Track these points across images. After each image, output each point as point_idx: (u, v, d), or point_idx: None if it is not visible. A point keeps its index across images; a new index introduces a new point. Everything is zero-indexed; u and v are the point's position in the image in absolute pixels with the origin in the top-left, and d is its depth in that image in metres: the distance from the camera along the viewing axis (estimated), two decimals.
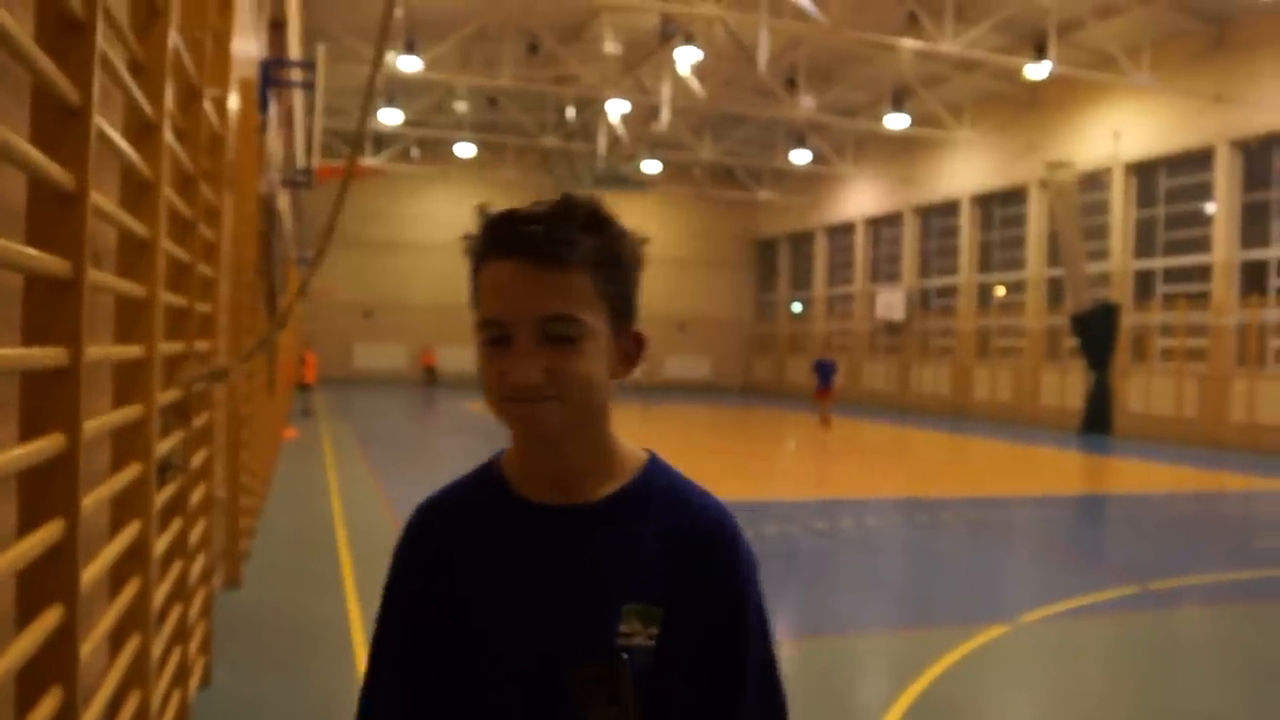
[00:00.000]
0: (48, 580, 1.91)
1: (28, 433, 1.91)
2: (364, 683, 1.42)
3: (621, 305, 1.32)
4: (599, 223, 1.30)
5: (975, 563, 9.77)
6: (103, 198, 2.26)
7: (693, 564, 1.33)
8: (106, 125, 2.27)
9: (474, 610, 1.33)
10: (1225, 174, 23.60)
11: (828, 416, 25.58)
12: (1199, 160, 24.48)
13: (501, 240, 1.27)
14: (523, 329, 1.24)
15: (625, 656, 1.18)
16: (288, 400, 21.34)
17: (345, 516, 10.59)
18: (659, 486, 1.38)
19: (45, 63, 1.76)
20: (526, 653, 1.29)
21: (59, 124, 1.94)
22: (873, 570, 9.21)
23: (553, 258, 1.24)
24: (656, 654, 1.29)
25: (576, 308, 1.25)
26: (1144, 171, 26.25)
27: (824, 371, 25.45)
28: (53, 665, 1.91)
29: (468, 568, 1.35)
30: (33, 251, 1.79)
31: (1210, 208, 24.26)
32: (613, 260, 1.30)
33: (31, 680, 1.88)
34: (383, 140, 37.32)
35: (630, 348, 1.35)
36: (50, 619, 1.87)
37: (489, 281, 1.27)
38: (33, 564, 1.81)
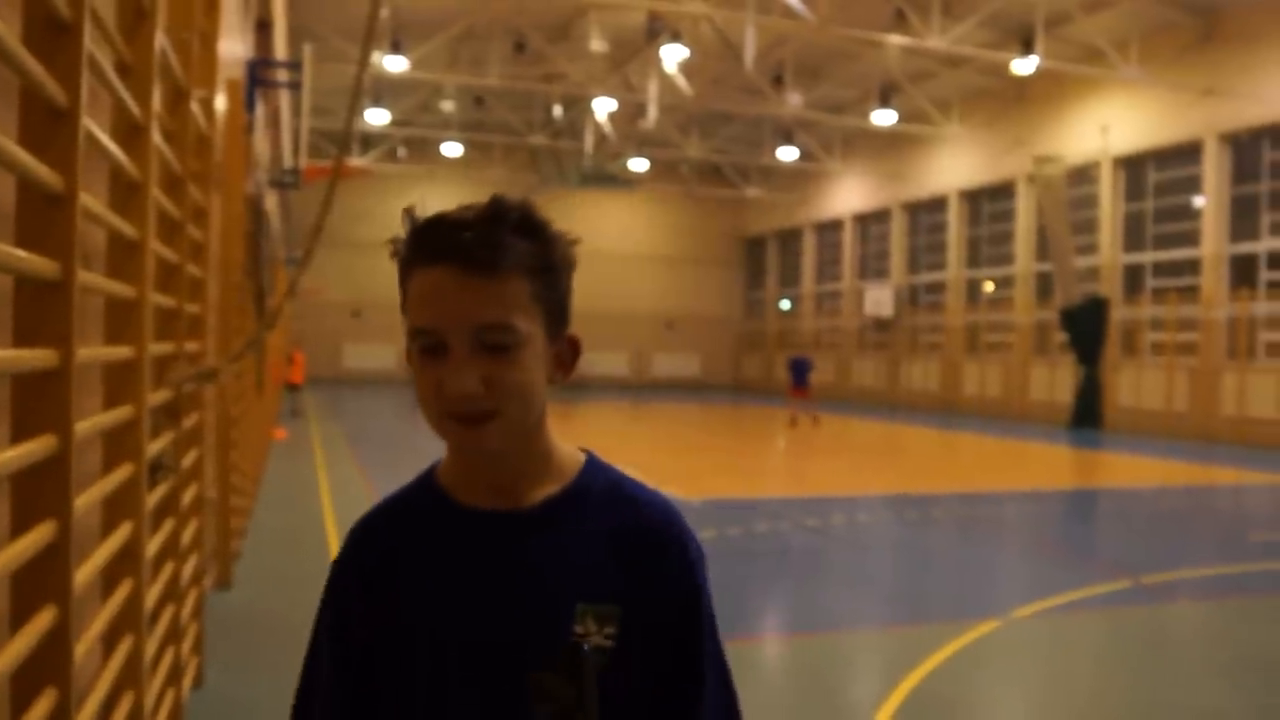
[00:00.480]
0: (41, 581, 1.91)
1: (19, 434, 1.90)
2: (295, 704, 1.39)
3: (556, 310, 1.30)
4: (531, 226, 1.27)
5: (966, 558, 9.81)
6: (91, 199, 2.26)
7: (644, 562, 1.34)
8: (95, 127, 2.27)
9: (421, 615, 1.31)
10: (1214, 167, 23.69)
11: (799, 415, 25.00)
12: (1188, 153, 24.58)
13: (431, 246, 1.24)
14: (457, 338, 1.22)
15: (585, 647, 1.17)
16: (276, 401, 21.29)
17: (336, 516, 10.58)
18: (599, 486, 1.38)
19: (33, 64, 1.76)
20: (480, 656, 1.27)
21: (47, 126, 1.95)
22: (864, 567, 9.24)
23: (486, 263, 1.22)
24: (614, 653, 1.29)
25: (512, 315, 1.23)
26: (1132, 165, 26.34)
27: (798, 369, 24.97)
28: (47, 666, 1.91)
29: (412, 574, 1.33)
30: (22, 253, 1.79)
31: (1199, 201, 24.36)
32: (547, 265, 1.28)
33: (26, 681, 1.88)
34: (370, 140, 37.24)
35: (565, 352, 1.33)
36: (44, 620, 1.87)
37: (419, 289, 1.24)
38: (26, 565, 1.82)
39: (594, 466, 1.40)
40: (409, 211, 1.30)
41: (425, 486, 1.40)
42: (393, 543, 1.37)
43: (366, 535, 1.40)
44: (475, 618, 1.29)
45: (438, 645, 1.29)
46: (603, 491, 1.38)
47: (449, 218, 1.25)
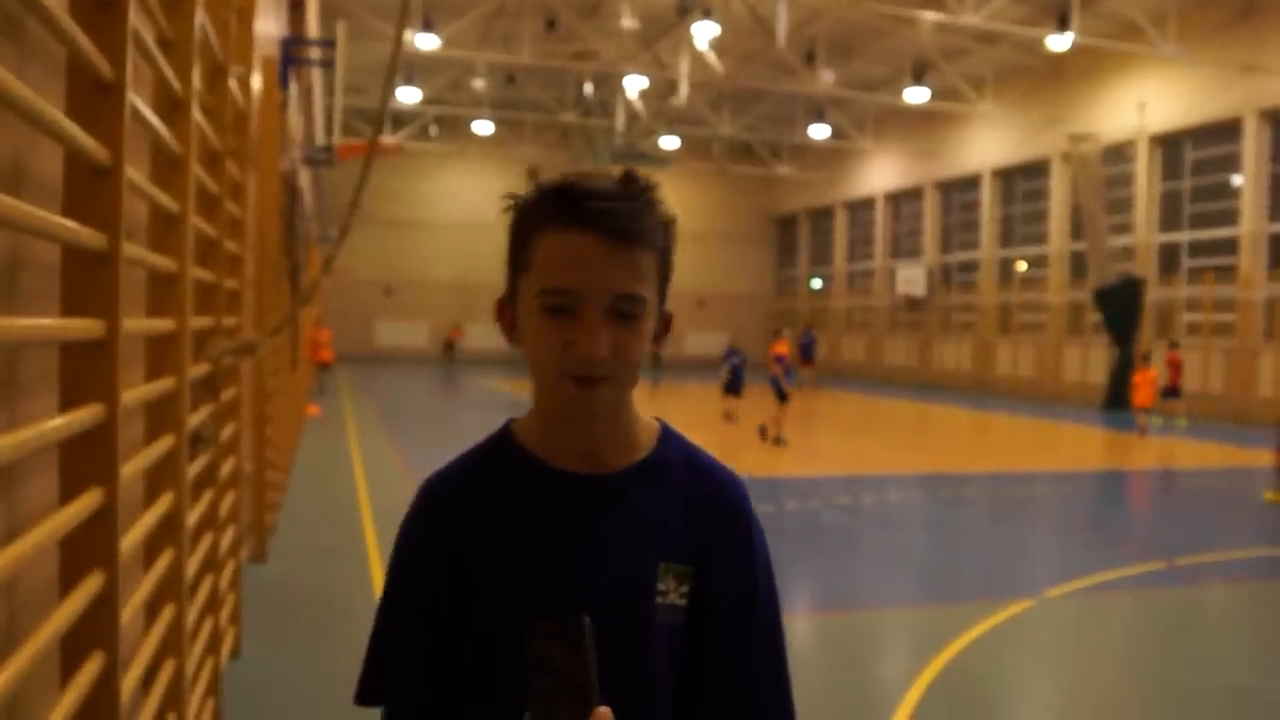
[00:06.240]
0: (89, 546, 1.94)
1: (67, 403, 1.94)
2: (393, 679, 1.38)
3: (666, 286, 1.36)
4: (659, 204, 1.33)
5: (999, 538, 9.77)
6: (135, 173, 2.29)
7: (716, 529, 1.41)
8: (139, 101, 2.29)
9: (516, 573, 1.34)
10: (1254, 145, 23.30)
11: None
12: (1226, 131, 24.18)
13: (574, 211, 1.26)
14: (592, 302, 1.25)
15: (586, 618, 1.17)
16: (310, 376, 21.47)
17: (369, 491, 10.68)
18: (677, 455, 1.44)
19: (81, 38, 1.78)
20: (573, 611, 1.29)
21: (94, 100, 1.97)
22: (896, 546, 9.23)
23: (629, 235, 1.26)
24: (687, 611, 1.37)
25: (644, 287, 1.29)
26: (1169, 143, 25.97)
27: (806, 344, 25.95)
28: (95, 630, 1.95)
29: (503, 532, 1.35)
30: (71, 224, 1.82)
31: (1238, 179, 23.99)
32: (667, 241, 1.34)
33: (74, 644, 1.92)
34: (401, 118, 37.30)
35: (660, 326, 1.38)
36: (92, 585, 1.91)
37: (557, 250, 1.27)
38: (74, 531, 1.85)
39: (669, 436, 1.46)
40: (534, 173, 1.34)
41: (504, 447, 1.42)
42: (477, 501, 1.38)
43: (446, 493, 1.41)
44: (568, 576, 1.33)
45: (529, 603, 1.31)
46: (680, 461, 1.44)
47: (591, 186, 1.28)
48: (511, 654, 1.30)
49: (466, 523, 1.37)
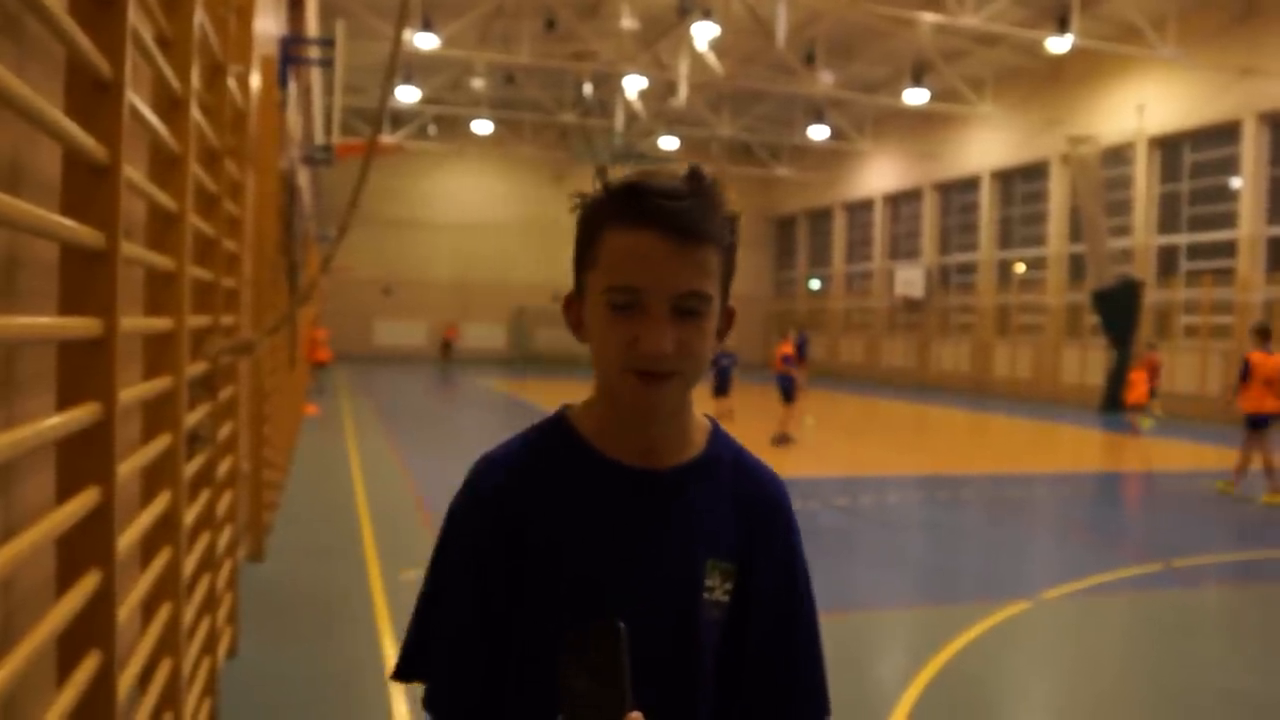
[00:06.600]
0: (86, 545, 1.94)
1: (64, 401, 1.94)
2: (445, 664, 1.38)
3: (729, 282, 1.38)
4: (722, 201, 1.34)
5: (996, 539, 9.78)
6: (134, 171, 2.29)
7: (761, 527, 1.45)
8: (138, 100, 2.29)
9: (570, 562, 1.35)
10: (1252, 148, 23.31)
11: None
12: (1225, 134, 24.19)
13: (640, 209, 1.28)
14: (658, 300, 1.27)
15: (622, 625, 1.18)
16: (307, 376, 21.46)
17: (367, 490, 10.68)
18: (727, 454, 1.47)
19: (80, 36, 1.78)
20: (625, 605, 1.30)
21: (92, 98, 1.97)
22: (894, 546, 9.23)
23: (695, 234, 1.28)
24: (730, 608, 1.40)
25: (708, 283, 1.30)
26: (1168, 146, 25.98)
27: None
28: (92, 629, 1.95)
29: (558, 521, 1.37)
30: (69, 222, 1.82)
31: (1236, 182, 24.01)
32: (731, 240, 1.35)
33: (71, 643, 1.92)
34: (400, 118, 37.29)
35: (723, 323, 1.39)
36: (89, 583, 1.91)
37: (623, 248, 1.29)
38: (71, 530, 1.85)
39: (720, 435, 1.49)
40: (602, 171, 1.34)
41: (561, 435, 1.43)
42: (532, 488, 1.39)
43: (502, 477, 1.40)
44: (623, 570, 1.35)
45: (583, 593, 1.34)
46: (730, 460, 1.47)
47: (657, 184, 1.29)
48: (554, 648, 1.31)
49: (521, 508, 1.37)
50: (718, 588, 1.39)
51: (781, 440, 15.90)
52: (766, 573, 1.44)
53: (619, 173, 1.34)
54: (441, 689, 1.38)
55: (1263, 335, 12.24)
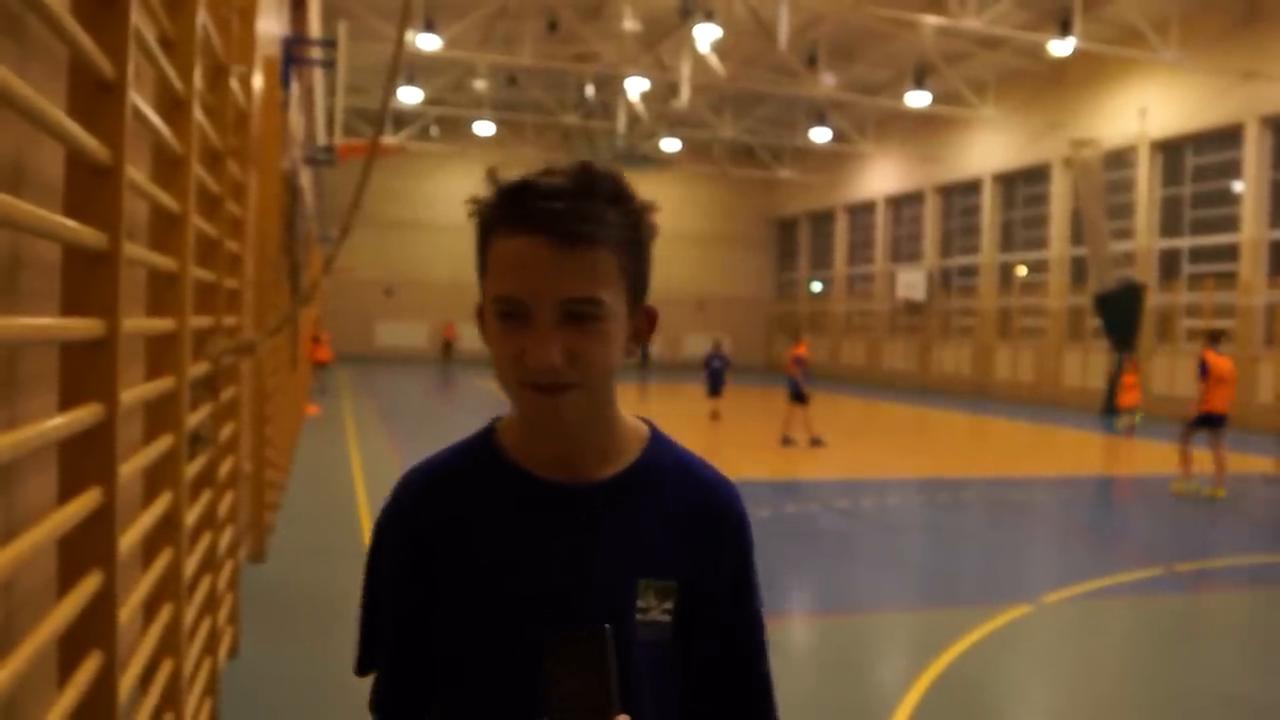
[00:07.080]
0: (88, 546, 1.94)
1: (66, 402, 1.94)
2: (380, 670, 1.43)
3: (640, 282, 1.29)
4: (621, 197, 1.25)
5: (997, 543, 9.77)
6: (136, 172, 2.29)
7: (707, 541, 1.37)
8: (140, 101, 2.29)
9: (485, 574, 1.31)
10: (1255, 151, 23.29)
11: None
12: (1228, 137, 24.18)
13: (520, 213, 1.20)
14: (542, 309, 1.19)
15: (608, 627, 1.14)
16: (309, 377, 21.46)
17: (368, 491, 10.67)
18: (666, 463, 1.38)
19: (82, 37, 1.78)
20: (545, 621, 1.24)
21: (95, 99, 1.97)
22: (894, 550, 9.22)
23: (578, 236, 1.18)
24: (673, 627, 1.33)
25: (600, 288, 1.20)
26: (1170, 149, 25.96)
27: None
28: (93, 629, 1.95)
29: (478, 536, 1.33)
30: (71, 223, 1.82)
31: (1238, 186, 23.99)
32: (635, 237, 1.25)
33: (73, 644, 1.92)
34: (402, 119, 37.30)
35: (642, 324, 1.31)
36: (90, 584, 1.91)
37: (505, 256, 1.21)
38: (73, 530, 1.85)
39: (659, 441, 1.40)
40: (492, 173, 1.27)
41: (486, 448, 1.38)
42: (454, 502, 1.35)
43: (424, 491, 1.38)
44: (542, 585, 1.29)
45: (503, 607, 1.30)
46: (670, 469, 1.38)
47: (539, 184, 1.21)
48: (483, 667, 1.31)
49: (435, 519, 1.35)
50: (653, 608, 1.31)
51: (814, 443, 16.00)
52: (720, 578, 1.37)
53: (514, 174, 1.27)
54: (379, 693, 1.42)
55: (1213, 338, 12.54)
